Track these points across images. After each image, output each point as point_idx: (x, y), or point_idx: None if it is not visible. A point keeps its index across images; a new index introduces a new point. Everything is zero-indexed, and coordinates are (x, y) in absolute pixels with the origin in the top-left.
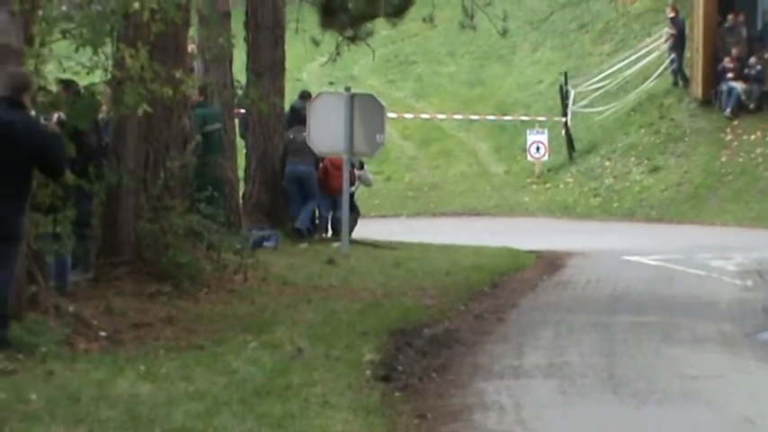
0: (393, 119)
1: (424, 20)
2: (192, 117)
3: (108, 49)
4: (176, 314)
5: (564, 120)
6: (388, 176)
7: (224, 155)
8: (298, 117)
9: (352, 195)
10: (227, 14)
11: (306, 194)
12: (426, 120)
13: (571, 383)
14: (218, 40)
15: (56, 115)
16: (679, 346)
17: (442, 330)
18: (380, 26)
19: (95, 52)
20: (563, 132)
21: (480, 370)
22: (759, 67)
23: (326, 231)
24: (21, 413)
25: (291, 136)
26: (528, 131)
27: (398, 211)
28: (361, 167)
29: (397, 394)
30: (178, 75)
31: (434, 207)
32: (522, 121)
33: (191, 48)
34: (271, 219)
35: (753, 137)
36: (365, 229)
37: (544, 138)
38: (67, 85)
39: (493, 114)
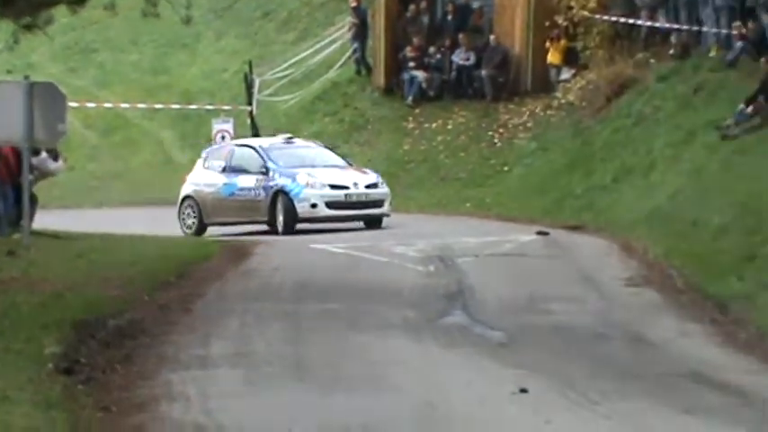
0: (74, 108)
1: (105, 7)
2: None
3: None
4: None
5: (249, 108)
6: (71, 166)
7: None
8: None
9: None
10: None
11: None
12: (109, 108)
13: (257, 372)
14: None
15: None
16: (365, 333)
17: (127, 321)
18: (60, 13)
19: None
20: (248, 121)
21: (166, 361)
22: (439, 56)
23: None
24: None
25: None
26: (213, 120)
27: (81, 202)
28: (55, 156)
29: (79, 387)
30: None
31: (119, 197)
32: (208, 110)
33: None
34: None
35: (434, 125)
36: (47, 221)
37: (230, 126)
38: None
39: (177, 103)
